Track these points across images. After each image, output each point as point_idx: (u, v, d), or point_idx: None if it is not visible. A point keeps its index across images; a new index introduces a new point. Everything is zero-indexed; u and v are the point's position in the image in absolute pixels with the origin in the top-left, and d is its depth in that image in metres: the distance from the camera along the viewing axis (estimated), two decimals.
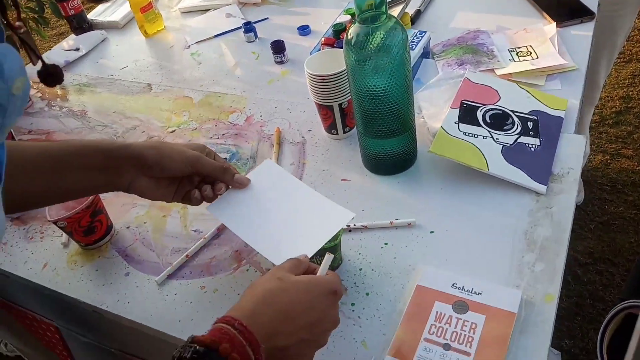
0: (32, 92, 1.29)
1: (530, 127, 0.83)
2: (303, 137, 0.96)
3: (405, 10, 1.15)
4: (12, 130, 1.11)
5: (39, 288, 0.80)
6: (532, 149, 0.80)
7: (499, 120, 0.84)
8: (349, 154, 0.90)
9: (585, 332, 1.49)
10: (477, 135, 0.81)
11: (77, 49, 1.39)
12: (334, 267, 0.71)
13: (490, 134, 0.82)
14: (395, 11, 1.13)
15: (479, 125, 0.83)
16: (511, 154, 0.79)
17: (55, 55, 1.38)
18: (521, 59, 0.99)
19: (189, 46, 1.33)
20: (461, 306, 0.63)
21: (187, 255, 0.78)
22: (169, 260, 0.79)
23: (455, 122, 0.83)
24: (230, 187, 0.73)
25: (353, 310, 0.67)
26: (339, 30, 1.11)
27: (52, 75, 0.55)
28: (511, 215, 0.74)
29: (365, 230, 0.76)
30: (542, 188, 0.75)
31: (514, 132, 0.82)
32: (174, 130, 1.05)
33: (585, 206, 1.81)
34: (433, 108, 0.90)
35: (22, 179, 0.63)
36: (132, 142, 0.69)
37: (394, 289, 0.68)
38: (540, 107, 0.87)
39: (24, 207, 0.74)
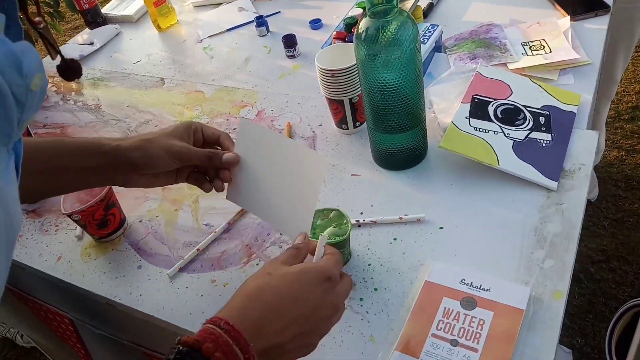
0: (48, 86, 1.31)
1: (542, 123, 0.82)
2: (314, 131, 0.96)
3: (418, 4, 1.14)
4: (27, 125, 1.12)
5: (53, 280, 0.82)
6: (544, 145, 0.80)
7: (511, 115, 0.83)
8: (359, 149, 0.90)
9: (597, 330, 1.47)
10: (488, 130, 0.81)
11: (92, 43, 1.40)
12: (343, 262, 0.72)
13: (502, 129, 0.81)
14: (408, 4, 1.13)
15: (490, 120, 0.83)
16: (522, 149, 0.79)
17: (69, 49, 1.40)
18: (534, 53, 0.98)
19: (201, 40, 1.33)
20: (469, 302, 0.63)
21: (198, 249, 0.79)
22: (180, 254, 0.80)
23: (466, 117, 0.83)
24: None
25: (361, 305, 0.67)
26: (350, 24, 1.11)
27: (70, 70, 0.56)
28: (521, 211, 0.73)
29: (374, 226, 0.76)
30: (553, 184, 0.75)
31: (525, 127, 0.82)
32: None
33: (600, 203, 1.79)
34: (444, 103, 0.90)
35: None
36: (120, 142, 0.68)
37: (403, 285, 0.68)
38: (553, 102, 0.86)
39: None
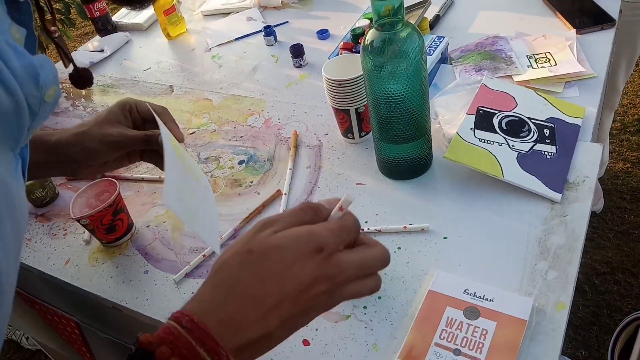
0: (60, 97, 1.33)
1: (547, 135, 0.83)
2: (320, 140, 0.97)
3: (424, 15, 1.15)
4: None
5: (60, 283, 0.83)
6: (548, 157, 0.80)
7: (515, 127, 0.84)
8: (364, 159, 0.91)
9: (601, 342, 1.47)
10: (493, 141, 0.82)
11: (102, 50, 1.42)
12: None
13: (506, 141, 0.82)
14: (415, 16, 1.14)
15: (495, 131, 0.83)
16: (527, 161, 0.79)
17: (80, 56, 1.42)
18: (539, 65, 0.99)
19: (210, 49, 1.35)
20: (472, 312, 0.64)
21: (204, 255, 0.80)
22: (186, 260, 0.81)
23: (471, 128, 0.84)
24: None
25: (365, 313, 0.68)
26: (357, 35, 1.12)
27: (82, 78, 0.57)
28: (525, 222, 0.74)
29: (379, 235, 0.77)
30: (557, 196, 0.75)
31: (530, 139, 0.82)
32: (194, 132, 1.08)
33: (605, 215, 1.79)
34: (449, 114, 0.90)
35: None
36: (59, 136, 0.67)
37: (406, 293, 0.69)
38: (558, 114, 0.87)
39: None
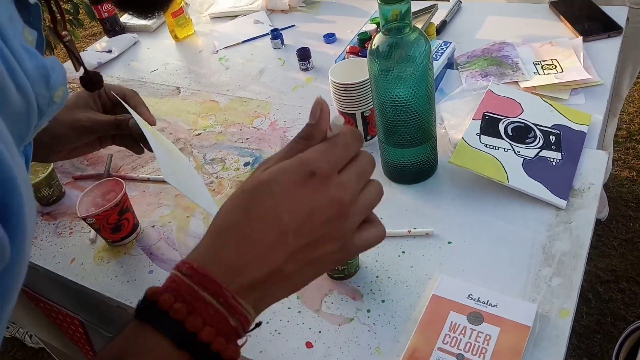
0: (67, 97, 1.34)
1: (553, 141, 0.83)
2: None
3: (431, 21, 1.16)
4: None
5: (65, 282, 0.83)
6: (554, 163, 0.80)
7: (521, 133, 0.84)
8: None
9: (605, 350, 1.46)
10: (499, 147, 0.82)
11: (110, 51, 1.43)
12: (351, 273, 0.73)
13: (512, 147, 0.82)
14: (421, 21, 1.14)
15: (501, 137, 0.83)
16: (532, 167, 0.79)
17: (88, 56, 1.43)
18: (546, 72, 0.99)
19: (217, 51, 1.36)
20: (476, 317, 0.64)
21: None
22: None
23: (476, 134, 0.84)
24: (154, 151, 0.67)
25: (368, 317, 0.68)
26: (364, 39, 1.12)
27: (92, 81, 0.57)
28: (530, 228, 0.74)
29: None
30: (562, 203, 0.75)
31: (535, 145, 0.83)
32: (200, 133, 1.08)
33: (610, 223, 1.79)
34: (455, 119, 0.91)
35: None
36: None
37: (410, 298, 0.69)
38: (564, 121, 0.87)
39: None
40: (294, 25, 1.38)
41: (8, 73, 0.36)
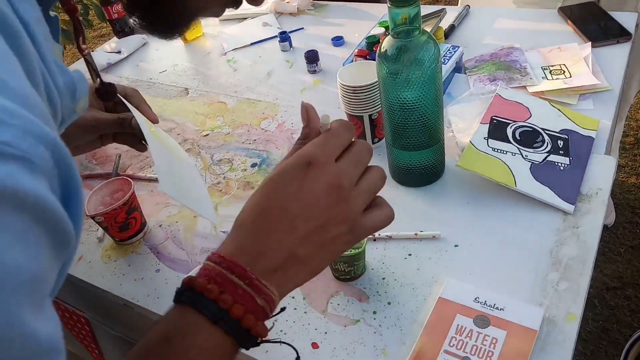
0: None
1: (561, 146, 0.83)
2: None
3: (439, 25, 1.16)
4: None
5: (73, 280, 0.84)
6: (562, 168, 0.80)
7: (529, 138, 0.84)
8: (376, 165, 0.91)
9: (610, 357, 1.45)
10: (506, 151, 0.82)
11: (119, 52, 1.44)
12: (357, 275, 0.73)
13: (520, 151, 0.82)
14: (430, 25, 1.15)
15: (509, 141, 0.83)
16: (540, 171, 0.79)
17: (98, 57, 1.44)
18: (554, 77, 0.99)
19: (225, 53, 1.36)
20: (483, 320, 0.64)
21: None
22: (198, 260, 0.81)
23: (484, 138, 0.84)
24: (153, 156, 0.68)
25: (374, 319, 0.68)
26: (372, 43, 1.13)
27: (108, 93, 0.59)
28: (537, 233, 0.74)
29: (389, 241, 0.77)
30: (569, 207, 0.75)
31: (543, 150, 0.82)
32: (208, 134, 1.09)
33: (616, 229, 1.78)
34: (462, 123, 0.91)
35: None
36: None
37: (416, 300, 0.69)
38: (572, 126, 0.87)
39: None
40: (302, 28, 1.38)
41: (46, 92, 0.38)
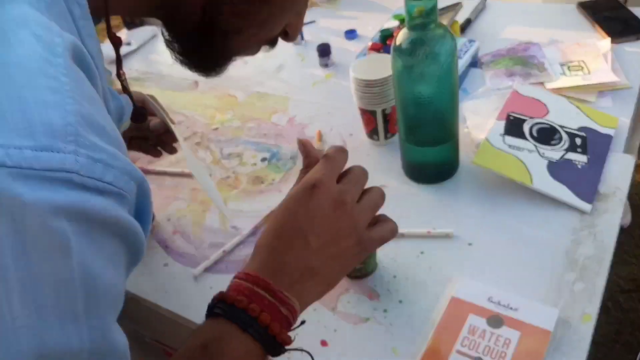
0: None
1: (579, 144, 0.81)
2: (344, 140, 0.96)
3: (455, 19, 1.14)
4: None
5: None
6: (579, 166, 0.78)
7: (546, 135, 0.82)
8: (389, 160, 0.89)
9: None
10: (523, 148, 0.80)
11: (129, 44, 1.44)
12: (368, 272, 0.71)
13: (536, 148, 0.80)
14: (445, 19, 1.13)
15: (525, 138, 0.81)
16: (557, 169, 0.77)
17: (107, 48, 1.43)
18: (572, 73, 0.97)
19: None
20: (496, 321, 0.62)
21: (224, 251, 0.80)
22: (206, 254, 0.80)
23: (500, 134, 0.82)
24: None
25: (385, 317, 0.67)
26: (386, 36, 1.11)
27: (140, 115, 0.63)
28: (553, 232, 0.72)
29: (401, 238, 0.76)
30: (586, 206, 0.73)
31: (561, 147, 0.80)
32: (217, 128, 1.08)
33: (632, 231, 1.75)
34: (478, 119, 0.89)
35: None
36: None
37: (428, 299, 0.67)
38: (590, 123, 0.85)
39: None
40: (314, 21, 1.36)
41: None
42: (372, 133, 0.92)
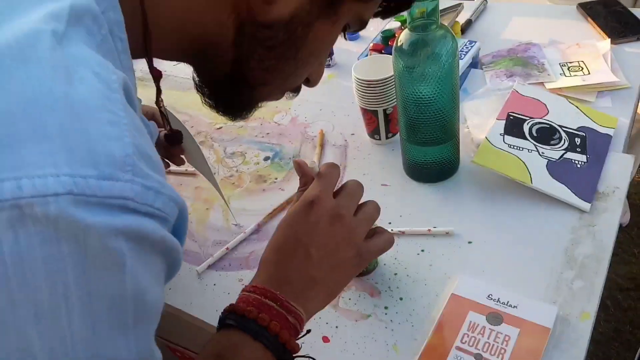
0: None
1: (578, 143, 0.82)
2: (346, 140, 0.97)
3: (456, 20, 1.15)
4: None
5: None
6: (579, 166, 0.79)
7: (546, 135, 0.83)
8: (390, 160, 0.90)
9: (622, 359, 1.44)
10: (523, 148, 0.81)
11: None
12: (369, 270, 0.72)
13: (536, 148, 0.81)
14: (446, 19, 1.14)
15: (525, 138, 0.82)
16: (556, 169, 0.78)
17: None
18: (572, 74, 0.98)
19: None
20: (495, 318, 0.63)
21: (227, 248, 0.81)
22: (209, 252, 0.81)
23: (500, 134, 0.83)
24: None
25: (386, 314, 0.68)
26: (387, 37, 1.12)
27: (175, 139, 0.67)
28: (552, 230, 0.73)
29: (402, 236, 0.77)
30: (586, 205, 0.74)
31: (560, 147, 0.81)
32: (221, 127, 1.09)
33: (631, 229, 1.76)
34: (478, 118, 0.90)
35: None
36: None
37: (428, 296, 0.68)
38: (589, 123, 0.86)
39: None
40: None
41: None
42: (374, 133, 0.93)
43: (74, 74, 0.32)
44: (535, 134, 0.83)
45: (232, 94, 0.53)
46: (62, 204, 0.28)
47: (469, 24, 1.19)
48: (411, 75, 0.73)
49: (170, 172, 0.99)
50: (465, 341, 0.61)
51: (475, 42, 1.05)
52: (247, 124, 1.08)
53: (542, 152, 0.80)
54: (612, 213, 0.74)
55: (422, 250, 0.74)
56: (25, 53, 0.31)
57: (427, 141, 0.79)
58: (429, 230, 0.76)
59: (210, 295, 0.75)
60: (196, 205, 0.91)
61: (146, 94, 1.29)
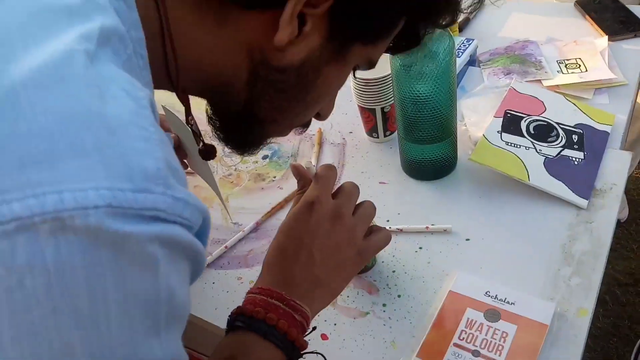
0: None
1: (575, 141, 0.82)
2: (344, 138, 0.98)
3: None
4: None
5: None
6: (576, 163, 0.79)
7: (543, 132, 0.83)
8: (388, 158, 0.91)
9: (621, 354, 1.45)
10: (520, 145, 0.81)
11: None
12: (368, 267, 0.73)
13: (534, 145, 0.81)
14: None
15: (522, 135, 0.83)
16: (554, 166, 0.79)
17: None
18: (569, 71, 0.98)
19: None
20: (493, 314, 0.63)
21: (225, 247, 0.81)
22: (208, 250, 0.82)
23: (498, 131, 0.83)
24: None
25: (384, 311, 0.68)
26: None
27: (208, 152, 0.66)
28: (550, 227, 0.73)
29: (400, 234, 0.77)
30: (583, 202, 0.74)
31: (558, 144, 0.82)
32: None
33: (629, 225, 1.76)
34: (476, 116, 0.90)
35: None
36: None
37: (426, 293, 0.69)
38: (587, 120, 0.86)
39: None
40: None
41: None
42: (372, 131, 0.93)
43: (106, 91, 0.33)
44: (532, 131, 0.83)
45: (242, 129, 0.55)
46: (102, 215, 0.30)
47: (466, 21, 1.19)
48: (408, 73, 0.73)
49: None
50: (463, 338, 0.62)
51: (473, 39, 1.05)
52: None
53: (539, 150, 0.81)
54: (610, 210, 0.74)
55: (420, 248, 0.75)
56: (61, 72, 0.32)
57: (424, 139, 0.79)
58: (427, 227, 0.76)
59: (209, 294, 0.75)
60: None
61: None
